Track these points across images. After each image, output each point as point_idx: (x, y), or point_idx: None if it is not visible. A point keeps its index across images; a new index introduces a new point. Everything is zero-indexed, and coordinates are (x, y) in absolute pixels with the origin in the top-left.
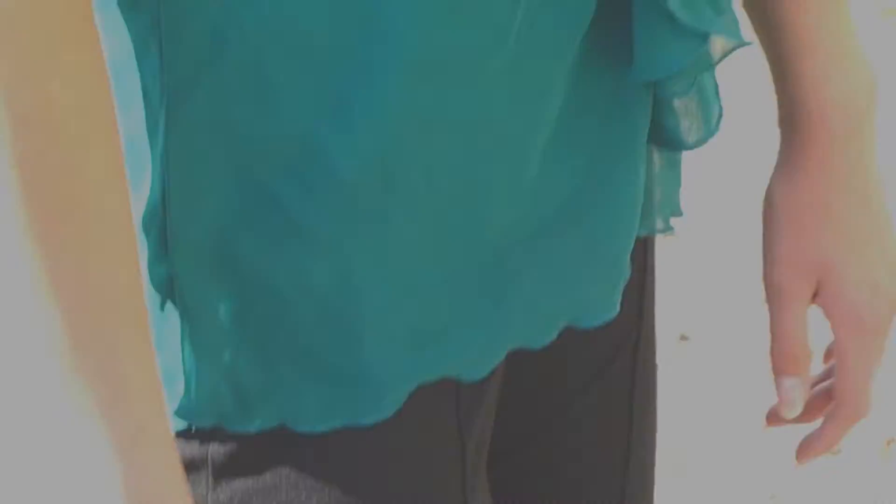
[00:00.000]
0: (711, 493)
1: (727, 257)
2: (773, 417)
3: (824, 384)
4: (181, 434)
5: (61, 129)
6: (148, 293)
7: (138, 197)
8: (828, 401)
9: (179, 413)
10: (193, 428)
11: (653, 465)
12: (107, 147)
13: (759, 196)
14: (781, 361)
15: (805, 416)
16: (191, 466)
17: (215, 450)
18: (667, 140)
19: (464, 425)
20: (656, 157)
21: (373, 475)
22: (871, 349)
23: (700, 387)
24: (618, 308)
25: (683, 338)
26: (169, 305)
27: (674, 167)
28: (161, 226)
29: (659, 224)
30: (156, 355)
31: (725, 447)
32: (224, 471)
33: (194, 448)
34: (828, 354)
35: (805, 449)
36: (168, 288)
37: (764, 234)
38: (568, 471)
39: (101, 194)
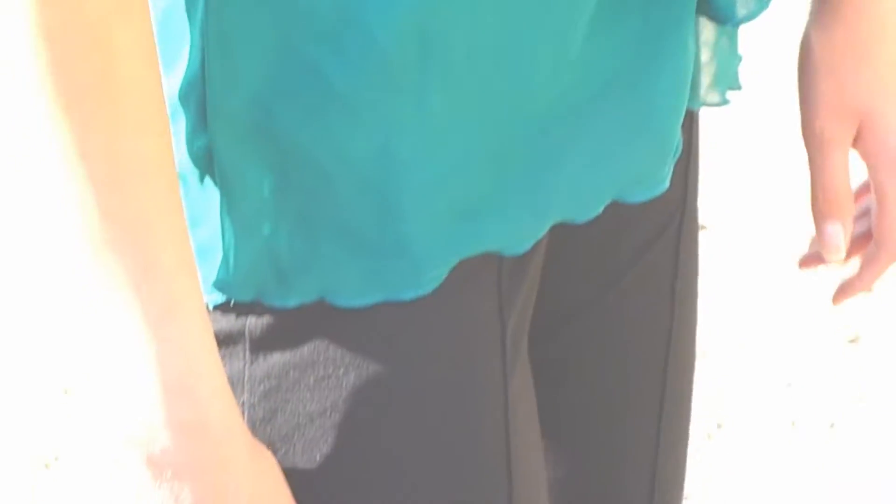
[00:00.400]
0: (730, 377)
1: (744, 146)
2: (809, 260)
3: (858, 228)
4: (219, 307)
5: (88, 1)
6: (187, 166)
7: (177, 69)
8: (862, 243)
9: (218, 286)
10: (232, 302)
11: (693, 345)
12: (135, 20)
13: (781, 87)
14: (824, 207)
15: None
16: (228, 340)
17: (253, 323)
18: (716, 13)
19: (504, 300)
20: (712, 29)
21: (411, 350)
22: None
23: (718, 276)
24: (667, 183)
25: (702, 227)
26: (208, 178)
27: (731, 39)
28: (200, 98)
29: (714, 97)
30: (195, 229)
31: (742, 335)
32: (261, 344)
33: (232, 321)
34: (858, 194)
35: (845, 290)
36: (207, 160)
37: (801, 83)
38: (610, 351)
39: (129, 68)
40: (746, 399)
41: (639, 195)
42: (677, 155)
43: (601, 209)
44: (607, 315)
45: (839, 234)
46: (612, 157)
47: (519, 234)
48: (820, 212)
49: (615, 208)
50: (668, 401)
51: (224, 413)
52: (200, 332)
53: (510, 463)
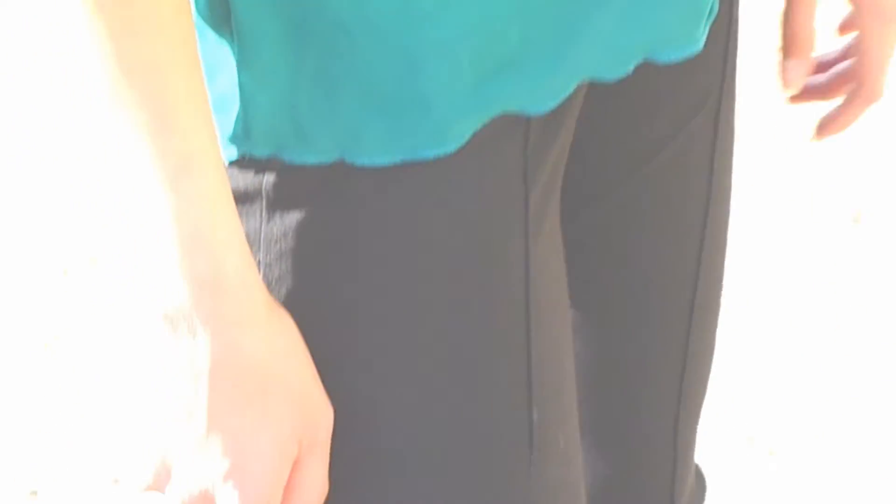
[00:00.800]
0: (730, 260)
1: (755, 35)
2: (796, 98)
3: (843, 66)
4: (235, 163)
5: None
6: (204, 17)
7: None
8: (846, 82)
9: (234, 140)
10: (248, 157)
11: (727, 221)
12: None
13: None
14: (788, 43)
15: (827, 94)
16: (244, 198)
17: (270, 181)
18: None
19: (530, 165)
20: None
21: (432, 211)
22: (890, 36)
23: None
24: (701, 44)
25: None
26: (226, 30)
27: None
28: None
29: None
30: (211, 82)
31: (743, 216)
32: (279, 203)
33: (249, 179)
34: (841, 29)
35: (824, 126)
36: (224, 12)
37: None
38: (646, 225)
39: None
40: (748, 283)
41: (670, 54)
42: (713, 16)
43: (631, 67)
44: (644, 189)
45: (796, 69)
46: (642, 13)
47: (544, 92)
48: (784, 47)
49: (651, 76)
50: (702, 277)
51: (240, 268)
52: (217, 186)
53: (529, 325)
